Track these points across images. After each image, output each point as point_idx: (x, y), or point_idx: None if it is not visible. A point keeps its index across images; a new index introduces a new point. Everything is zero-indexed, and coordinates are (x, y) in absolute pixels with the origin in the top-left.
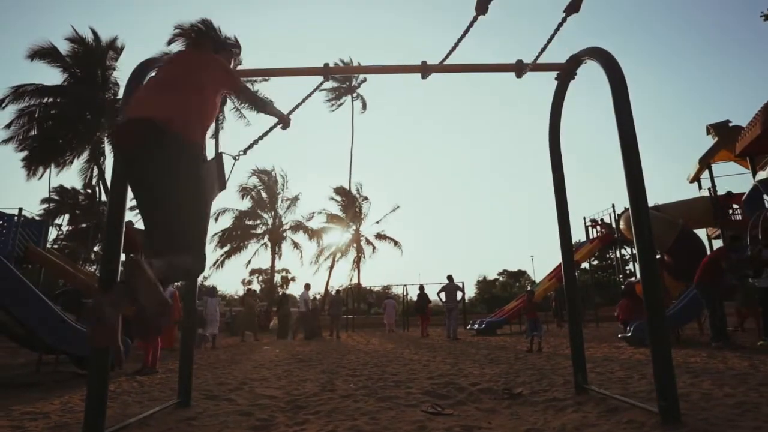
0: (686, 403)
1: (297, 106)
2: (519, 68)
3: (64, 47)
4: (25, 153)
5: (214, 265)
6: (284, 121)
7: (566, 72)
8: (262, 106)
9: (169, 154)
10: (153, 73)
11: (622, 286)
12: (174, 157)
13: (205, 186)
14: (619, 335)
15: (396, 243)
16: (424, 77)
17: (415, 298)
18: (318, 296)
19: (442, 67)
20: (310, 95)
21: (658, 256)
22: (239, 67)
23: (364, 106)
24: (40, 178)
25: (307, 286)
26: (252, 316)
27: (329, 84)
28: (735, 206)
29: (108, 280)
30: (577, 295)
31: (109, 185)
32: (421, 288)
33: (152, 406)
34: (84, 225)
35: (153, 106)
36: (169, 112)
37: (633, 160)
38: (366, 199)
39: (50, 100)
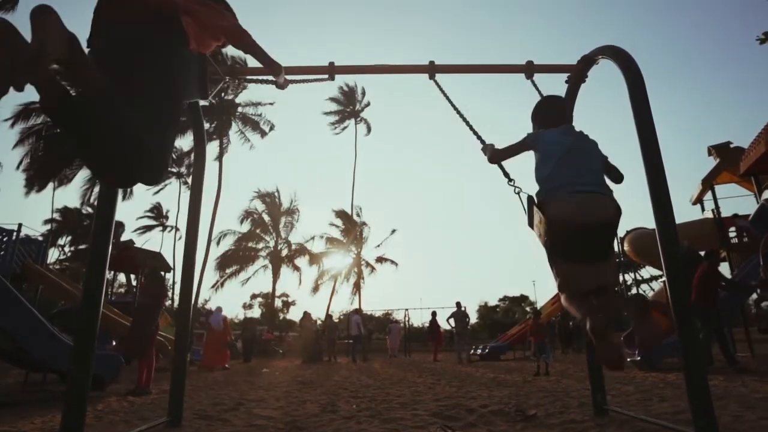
0: (719, 425)
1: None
2: (529, 69)
3: None
4: (29, 171)
5: (213, 287)
6: (277, 74)
7: (577, 75)
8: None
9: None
10: None
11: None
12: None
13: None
14: (628, 359)
15: (396, 265)
16: (431, 77)
17: (415, 323)
18: (319, 320)
19: (451, 68)
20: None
21: (664, 279)
22: (244, 92)
23: (369, 130)
24: (39, 191)
25: (358, 311)
26: (312, 338)
27: (333, 106)
28: (733, 228)
29: (92, 293)
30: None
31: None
32: (434, 314)
33: (140, 425)
34: (85, 246)
35: None
36: None
37: (655, 166)
38: (365, 224)
39: None
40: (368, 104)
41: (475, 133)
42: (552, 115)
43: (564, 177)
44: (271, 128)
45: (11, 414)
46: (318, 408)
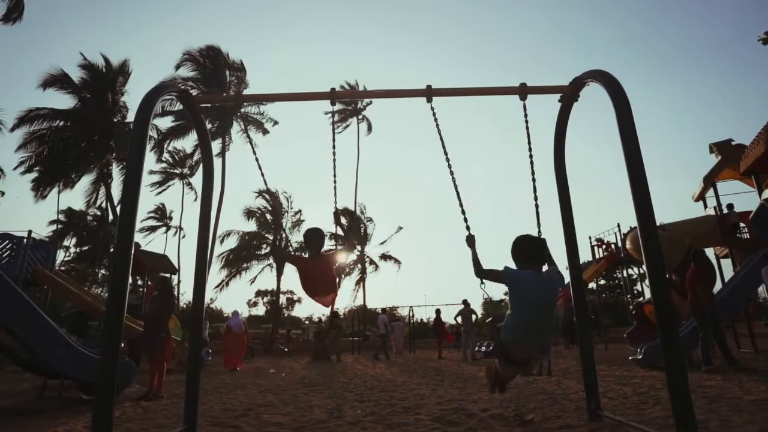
0: (705, 431)
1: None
2: (522, 91)
3: (75, 74)
4: (34, 175)
5: (218, 286)
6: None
7: (569, 94)
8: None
9: None
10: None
11: (632, 309)
12: None
13: None
14: (630, 357)
15: (399, 263)
16: (428, 101)
17: (419, 319)
18: (323, 317)
19: (447, 91)
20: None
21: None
22: (246, 90)
23: (370, 128)
24: (45, 197)
25: (384, 311)
26: (340, 337)
27: (336, 106)
28: (742, 225)
29: (116, 302)
30: (588, 317)
31: (119, 207)
32: (438, 312)
33: None
34: (88, 247)
35: None
36: None
37: (640, 183)
38: (371, 220)
39: (60, 123)
40: (370, 102)
41: (465, 220)
42: (527, 251)
43: (525, 334)
44: (275, 124)
45: (32, 422)
46: (325, 413)
